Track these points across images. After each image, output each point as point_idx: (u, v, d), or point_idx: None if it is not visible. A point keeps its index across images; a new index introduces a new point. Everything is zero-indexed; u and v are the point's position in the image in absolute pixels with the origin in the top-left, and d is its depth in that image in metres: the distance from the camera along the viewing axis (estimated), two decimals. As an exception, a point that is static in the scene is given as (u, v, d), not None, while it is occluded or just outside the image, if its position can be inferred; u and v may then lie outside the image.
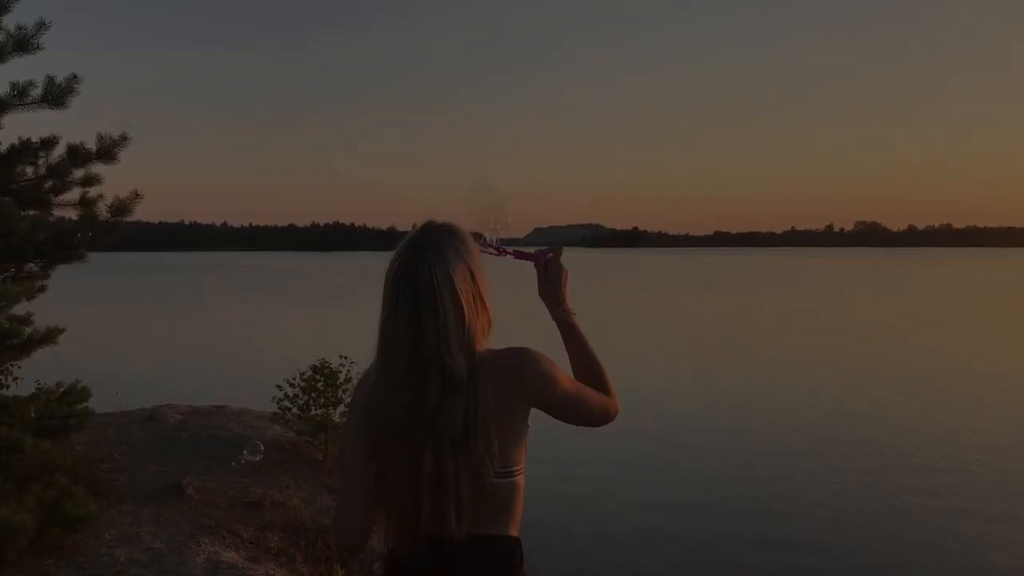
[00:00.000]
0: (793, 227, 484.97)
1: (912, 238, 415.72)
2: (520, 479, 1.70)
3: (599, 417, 1.85)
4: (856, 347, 23.80)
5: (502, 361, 1.67)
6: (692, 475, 10.59)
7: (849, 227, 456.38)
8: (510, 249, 2.05)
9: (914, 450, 11.59)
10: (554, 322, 2.02)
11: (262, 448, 6.50)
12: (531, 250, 2.10)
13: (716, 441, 12.29)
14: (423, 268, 1.62)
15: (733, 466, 10.93)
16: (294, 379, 9.57)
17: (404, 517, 1.65)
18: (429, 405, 1.59)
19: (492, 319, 1.72)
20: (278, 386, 9.69)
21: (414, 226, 1.74)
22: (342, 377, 9.10)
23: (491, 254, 2.11)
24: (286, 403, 9.58)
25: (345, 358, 9.15)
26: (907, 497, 9.47)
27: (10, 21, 5.32)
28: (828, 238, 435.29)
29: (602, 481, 10.33)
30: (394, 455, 1.63)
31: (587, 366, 1.93)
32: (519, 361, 1.68)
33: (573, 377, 1.92)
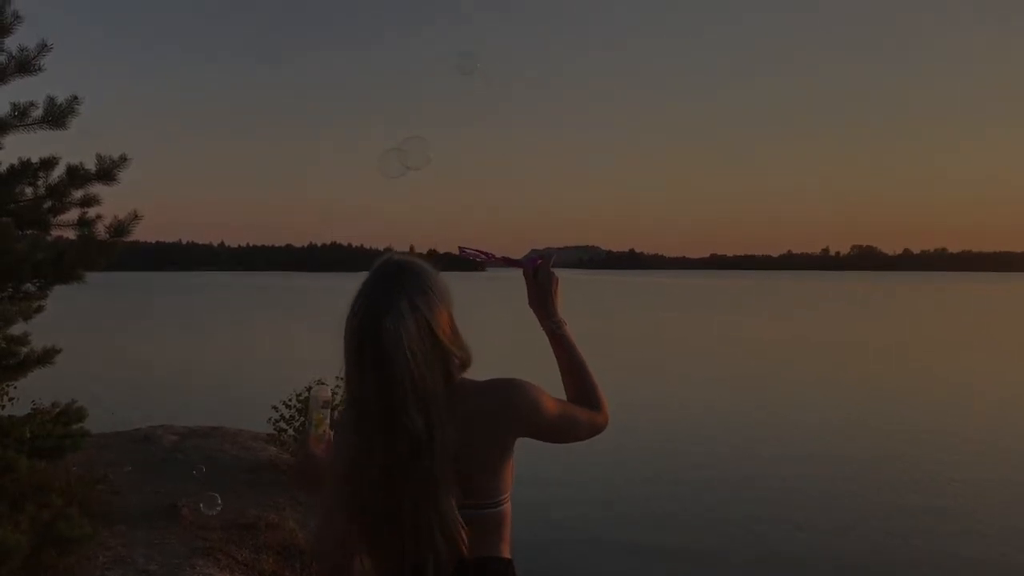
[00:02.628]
0: (789, 250, 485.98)
1: (908, 262, 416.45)
2: (507, 506, 1.68)
3: (586, 434, 1.82)
4: (851, 370, 23.82)
5: (487, 396, 1.65)
6: (684, 492, 10.56)
7: (845, 251, 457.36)
8: (499, 255, 2.00)
9: (909, 471, 11.58)
10: (544, 331, 1.96)
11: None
12: (520, 257, 2.02)
13: (709, 459, 12.25)
14: (378, 331, 1.56)
15: (727, 483, 10.95)
16: (290, 400, 9.57)
17: (387, 551, 1.63)
18: (399, 459, 1.56)
19: (466, 354, 1.66)
20: (274, 407, 9.68)
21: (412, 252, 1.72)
22: (338, 399, 9.09)
23: (479, 260, 2.08)
24: (282, 424, 9.58)
25: (341, 379, 9.13)
26: (902, 517, 9.45)
27: (12, 43, 5.36)
28: (824, 262, 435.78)
29: (594, 495, 10.32)
30: (373, 498, 1.60)
31: (577, 377, 1.89)
32: (505, 396, 1.66)
33: (563, 388, 1.90)
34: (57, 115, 5.44)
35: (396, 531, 1.59)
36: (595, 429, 1.85)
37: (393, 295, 1.59)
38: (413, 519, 1.57)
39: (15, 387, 7.28)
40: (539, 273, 1.97)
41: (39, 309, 5.66)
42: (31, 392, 7.19)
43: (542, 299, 1.96)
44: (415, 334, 1.57)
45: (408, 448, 1.55)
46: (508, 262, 2.02)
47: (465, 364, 1.67)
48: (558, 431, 1.76)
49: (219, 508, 6.75)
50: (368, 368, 1.57)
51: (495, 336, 27.15)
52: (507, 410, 1.65)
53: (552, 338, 1.95)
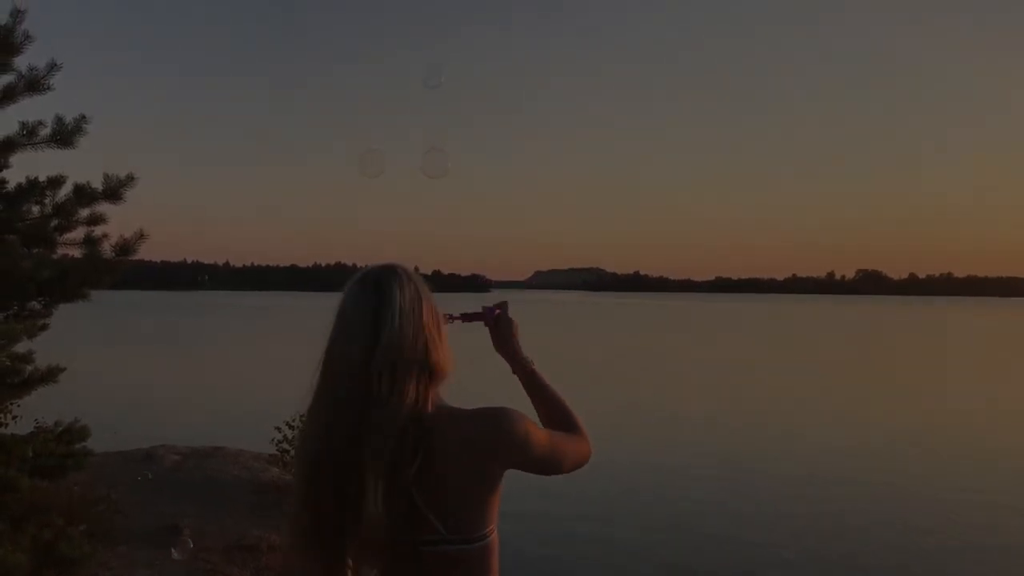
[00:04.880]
0: (794, 274, 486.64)
1: (913, 287, 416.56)
2: (494, 536, 1.63)
3: (571, 466, 1.78)
4: (849, 395, 23.77)
5: (476, 425, 1.59)
6: (683, 512, 10.50)
7: (850, 275, 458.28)
8: (457, 315, 2.03)
9: (908, 495, 11.56)
10: (515, 374, 2.00)
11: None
12: (477, 309, 2.10)
13: (708, 480, 12.19)
14: (385, 290, 1.60)
15: (726, 505, 10.92)
16: (293, 420, 9.55)
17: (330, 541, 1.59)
18: (375, 440, 1.52)
19: (447, 367, 1.65)
20: (277, 428, 9.66)
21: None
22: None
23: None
24: (284, 445, 9.55)
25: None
26: (902, 540, 9.40)
27: (22, 61, 5.39)
28: (829, 286, 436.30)
29: (592, 514, 10.27)
30: (334, 483, 1.56)
31: (555, 411, 1.88)
32: (495, 425, 1.60)
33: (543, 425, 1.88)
34: (65, 134, 5.47)
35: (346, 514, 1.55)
36: (581, 460, 1.81)
37: (400, 277, 1.64)
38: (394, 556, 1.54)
39: (19, 405, 7.27)
40: (500, 321, 2.05)
41: (44, 327, 5.66)
42: (34, 410, 7.19)
43: (506, 344, 2.02)
44: (424, 309, 1.62)
45: (379, 413, 1.53)
46: (468, 318, 2.07)
47: (442, 371, 1.65)
48: (546, 463, 1.71)
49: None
50: (365, 323, 1.58)
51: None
52: (497, 440, 1.59)
53: (525, 375, 1.98)
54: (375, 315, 1.58)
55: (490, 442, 1.58)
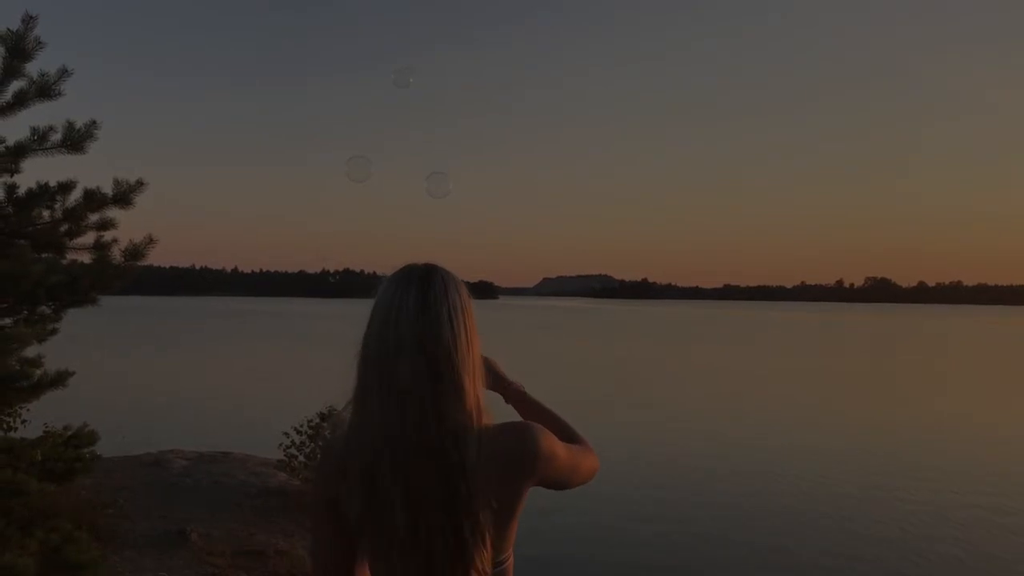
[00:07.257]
0: (803, 282, 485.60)
1: (922, 295, 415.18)
2: (511, 563, 1.58)
3: (585, 478, 1.74)
4: (853, 403, 23.68)
5: (504, 442, 1.53)
6: (680, 525, 10.44)
7: (859, 283, 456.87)
8: None
9: (903, 503, 11.50)
10: (509, 403, 1.97)
11: None
12: None
13: (706, 491, 12.16)
14: (435, 284, 1.53)
15: (726, 512, 10.86)
16: (300, 426, 9.56)
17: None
18: (441, 427, 1.46)
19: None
20: (285, 433, 9.67)
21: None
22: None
23: None
24: (293, 450, 9.56)
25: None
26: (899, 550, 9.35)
27: (33, 67, 5.42)
28: (838, 293, 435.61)
29: (592, 532, 10.22)
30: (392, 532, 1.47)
31: (558, 426, 1.82)
32: (526, 442, 1.55)
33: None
34: (76, 139, 5.48)
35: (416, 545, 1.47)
36: (593, 472, 1.77)
37: (440, 269, 1.58)
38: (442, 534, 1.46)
39: (28, 409, 7.30)
40: (484, 362, 2.03)
41: (53, 332, 5.68)
42: (43, 415, 7.22)
43: (496, 377, 2.00)
44: (464, 302, 1.56)
45: (456, 416, 1.47)
46: None
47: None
48: (566, 477, 1.67)
49: None
50: (415, 309, 1.50)
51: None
52: (529, 455, 1.54)
53: (515, 401, 1.96)
54: (426, 309, 1.51)
55: (522, 458, 1.54)
